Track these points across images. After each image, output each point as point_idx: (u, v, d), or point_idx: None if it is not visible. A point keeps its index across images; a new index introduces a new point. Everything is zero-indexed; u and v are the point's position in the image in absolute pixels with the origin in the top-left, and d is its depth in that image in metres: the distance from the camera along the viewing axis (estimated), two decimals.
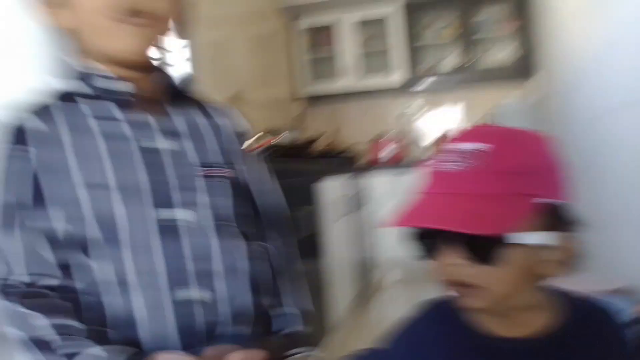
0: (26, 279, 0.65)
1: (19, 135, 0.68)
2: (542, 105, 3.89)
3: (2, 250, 0.66)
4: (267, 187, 0.85)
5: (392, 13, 3.78)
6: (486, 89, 4.13)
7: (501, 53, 4.02)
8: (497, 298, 0.60)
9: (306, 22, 3.88)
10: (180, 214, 0.70)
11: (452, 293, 0.63)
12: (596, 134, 2.75)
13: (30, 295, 0.64)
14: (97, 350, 0.62)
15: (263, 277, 0.78)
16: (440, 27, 3.96)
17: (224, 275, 0.71)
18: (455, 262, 0.59)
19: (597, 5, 2.51)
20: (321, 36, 3.90)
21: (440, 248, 0.60)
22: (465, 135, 0.62)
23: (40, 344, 0.63)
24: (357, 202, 3.69)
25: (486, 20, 3.92)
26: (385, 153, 4.23)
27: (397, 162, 4.26)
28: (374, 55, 3.92)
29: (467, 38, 3.87)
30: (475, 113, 4.22)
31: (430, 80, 4.04)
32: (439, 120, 4.34)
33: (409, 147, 4.36)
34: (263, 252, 0.79)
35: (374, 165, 4.28)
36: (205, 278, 0.70)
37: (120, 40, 0.67)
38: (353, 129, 4.24)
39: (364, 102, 4.19)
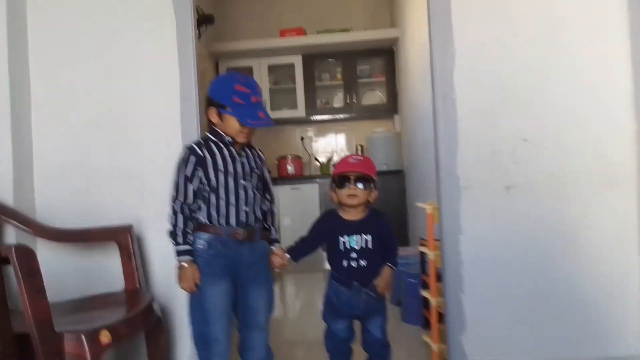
0: (181, 202, 1.77)
1: (192, 151, 1.78)
2: (398, 136, 5.40)
3: (179, 192, 1.76)
4: (269, 180, 1.98)
5: (296, 61, 5.33)
6: (363, 122, 5.64)
7: (374, 97, 5.60)
8: (361, 203, 1.92)
9: (229, 64, 5.29)
10: (245, 183, 1.82)
11: (347, 201, 1.91)
12: (423, 155, 4.16)
13: (180, 210, 1.76)
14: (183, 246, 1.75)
15: (265, 208, 1.92)
16: (331, 74, 5.54)
17: (254, 205, 1.84)
18: (355, 188, 1.90)
19: (424, 74, 3.76)
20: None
21: (350, 182, 1.91)
22: (355, 156, 2.00)
23: (171, 234, 1.76)
24: None
25: (364, 70, 5.53)
26: (290, 168, 5.48)
27: (299, 175, 5.52)
28: (282, 92, 5.37)
29: (350, 83, 5.45)
30: (354, 139, 5.70)
31: (323, 113, 5.50)
32: (328, 143, 5.78)
33: (307, 163, 5.65)
34: (267, 202, 1.95)
35: (282, 177, 5.49)
36: (250, 204, 1.82)
37: (239, 138, 1.81)
38: (266, 150, 5.48)
39: (275, 129, 5.50)
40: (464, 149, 2.00)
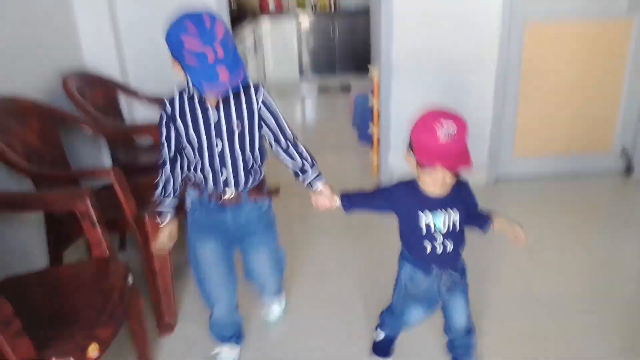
0: (163, 160, 1.63)
1: (163, 109, 1.58)
2: None
3: (162, 151, 1.63)
4: (276, 120, 1.65)
5: None
6: None
7: None
8: (449, 187, 1.46)
9: None
10: (221, 143, 1.59)
11: (430, 189, 1.46)
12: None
13: (162, 168, 1.64)
14: (167, 203, 1.67)
15: (282, 157, 1.69)
16: None
17: (237, 167, 1.62)
18: (445, 174, 1.41)
19: None
20: None
21: (440, 169, 1.39)
22: (446, 123, 1.34)
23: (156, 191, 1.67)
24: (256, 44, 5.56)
25: None
26: (270, 3, 6.33)
27: (279, 10, 6.40)
28: None
29: None
30: None
31: None
32: None
33: None
34: (278, 149, 1.68)
35: (264, 12, 6.35)
36: (229, 167, 1.62)
37: (209, 96, 1.52)
38: None
39: None
40: (400, 42, 3.09)
